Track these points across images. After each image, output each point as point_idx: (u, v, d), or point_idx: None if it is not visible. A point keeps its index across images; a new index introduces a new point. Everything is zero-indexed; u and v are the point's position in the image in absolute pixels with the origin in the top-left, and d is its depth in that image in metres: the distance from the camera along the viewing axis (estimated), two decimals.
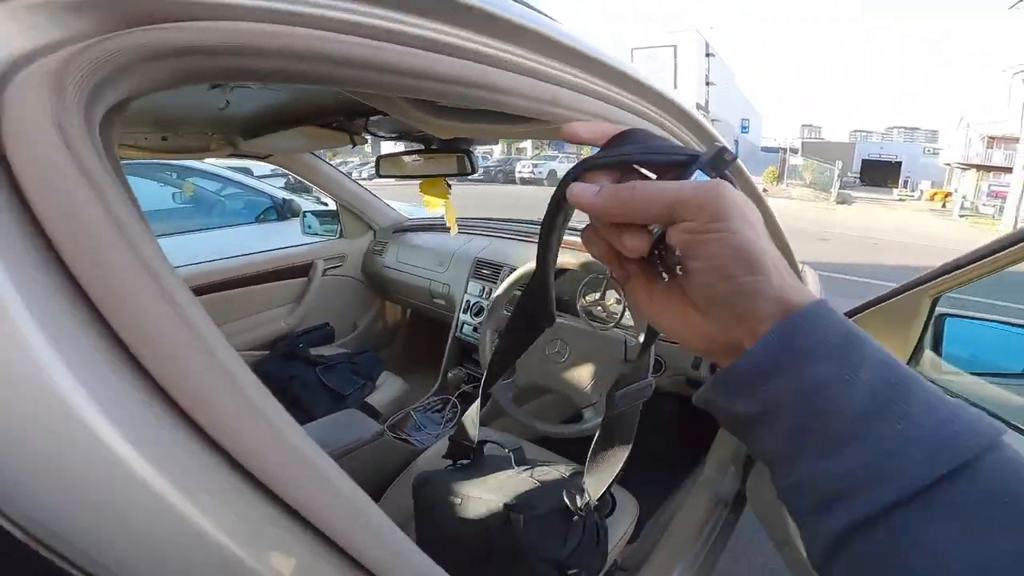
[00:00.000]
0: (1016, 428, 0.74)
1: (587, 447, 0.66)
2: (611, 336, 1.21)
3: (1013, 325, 0.99)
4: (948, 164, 30.70)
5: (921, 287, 0.90)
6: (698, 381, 1.27)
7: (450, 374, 1.84)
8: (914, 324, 0.93)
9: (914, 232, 11.78)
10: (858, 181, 34.78)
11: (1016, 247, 0.76)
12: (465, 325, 1.73)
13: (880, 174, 34.57)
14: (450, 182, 1.15)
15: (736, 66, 35.44)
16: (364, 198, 2.04)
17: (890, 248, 8.84)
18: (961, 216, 18.42)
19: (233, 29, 0.23)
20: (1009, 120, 20.45)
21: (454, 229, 1.38)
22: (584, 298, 1.35)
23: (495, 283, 1.62)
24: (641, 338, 1.10)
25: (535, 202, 2.22)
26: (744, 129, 38.56)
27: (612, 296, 1.29)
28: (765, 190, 20.36)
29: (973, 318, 0.99)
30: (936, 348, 0.98)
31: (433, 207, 1.20)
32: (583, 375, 1.22)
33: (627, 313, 1.22)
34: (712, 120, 29.14)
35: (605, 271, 1.18)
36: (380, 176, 1.23)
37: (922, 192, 26.87)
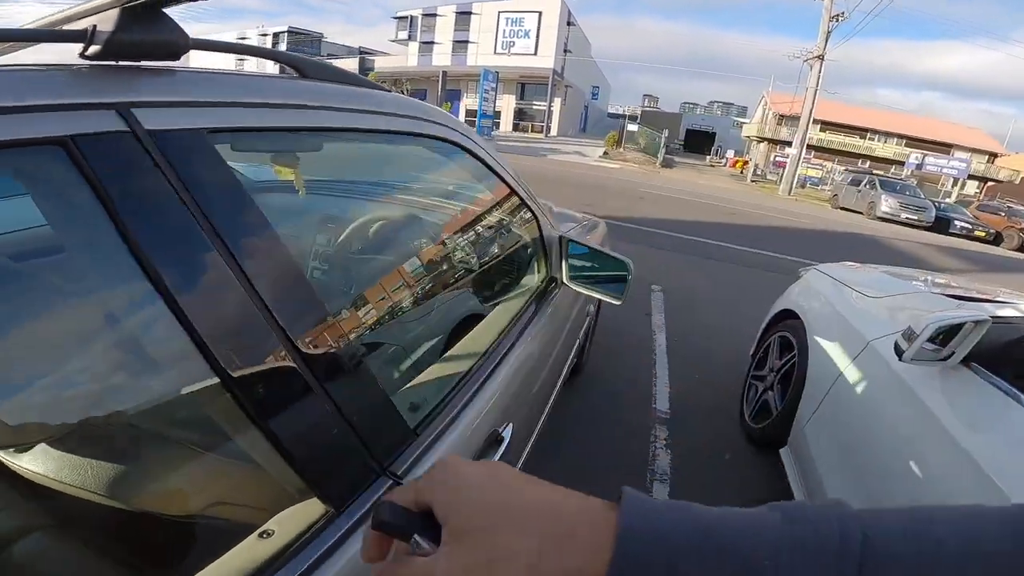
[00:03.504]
0: None
1: None
2: None
3: (592, 249, 1.52)
4: (748, 137, 36.60)
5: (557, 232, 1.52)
6: None
7: None
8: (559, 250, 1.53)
9: (711, 192, 14.29)
10: (682, 148, 39.42)
11: None
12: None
13: (699, 142, 39.37)
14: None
15: (593, 37, 37.03)
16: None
17: (687, 205, 10.71)
18: (752, 181, 22.41)
19: None
20: (796, 101, 23.20)
21: (302, 191, 1.67)
22: None
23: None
24: None
25: None
26: (594, 96, 41.13)
27: None
28: (605, 153, 22.62)
29: (577, 242, 1.52)
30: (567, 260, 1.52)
31: (284, 176, 1.35)
32: None
33: None
34: (566, 85, 30.58)
35: None
36: (236, 149, 1.46)
37: (727, 160, 31.72)
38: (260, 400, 0.54)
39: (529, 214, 1.48)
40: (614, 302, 1.46)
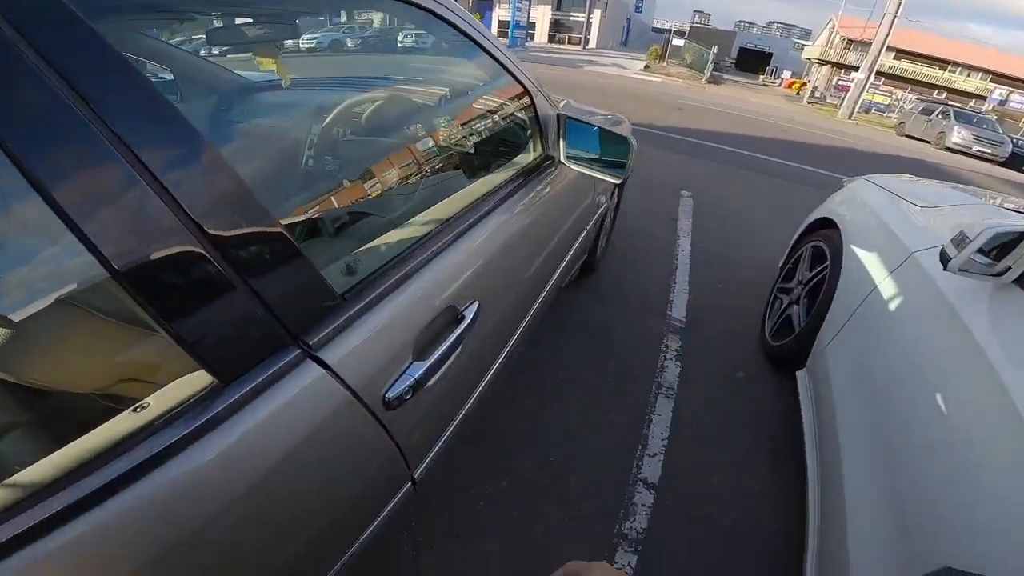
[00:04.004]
0: None
1: None
2: None
3: (592, 127, 1.35)
4: (808, 59, 33.72)
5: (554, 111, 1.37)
6: None
7: None
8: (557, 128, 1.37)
9: (759, 109, 13.17)
10: (733, 66, 36.72)
11: None
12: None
13: (753, 62, 36.61)
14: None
15: None
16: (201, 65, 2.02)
17: (731, 118, 9.94)
18: (808, 103, 20.70)
19: None
20: (869, 27, 21.76)
21: (286, 81, 1.54)
22: None
23: None
24: None
25: None
26: (638, 9, 37.92)
27: None
28: (647, 66, 21.06)
29: (577, 120, 1.36)
30: (565, 139, 1.37)
31: (266, 67, 1.35)
32: None
33: None
34: None
35: None
36: (212, 45, 1.37)
37: (782, 80, 29.34)
38: (141, 267, 0.47)
39: (522, 90, 1.34)
40: (614, 181, 1.33)
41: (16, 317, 0.60)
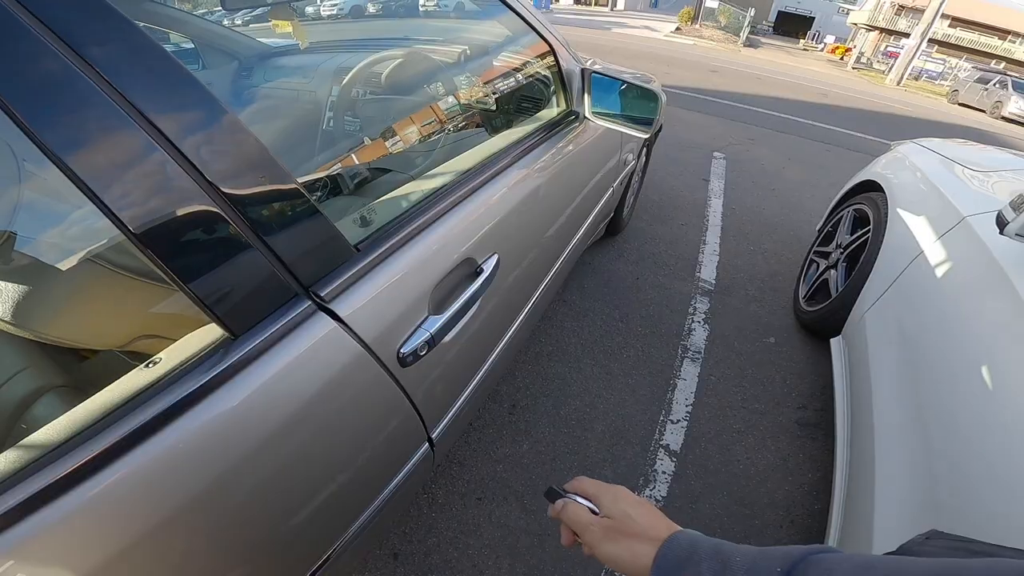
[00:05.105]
0: None
1: None
2: None
3: (611, 77, 1.31)
4: (854, 24, 31.93)
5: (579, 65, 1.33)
6: None
7: None
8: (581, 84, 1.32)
9: (800, 74, 12.50)
10: (771, 30, 35.03)
11: None
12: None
13: (793, 25, 34.93)
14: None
15: None
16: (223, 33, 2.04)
17: (768, 82, 9.46)
18: (853, 68, 19.62)
19: None
20: None
21: (304, 42, 1.53)
22: None
23: None
24: None
25: None
26: None
27: None
28: (678, 28, 20.16)
29: (602, 74, 1.32)
30: (590, 94, 1.34)
31: (282, 29, 1.36)
32: None
33: None
34: None
35: None
36: (228, 9, 1.42)
37: (825, 45, 27.82)
38: (152, 223, 0.45)
39: (544, 46, 1.29)
40: (641, 135, 1.28)
41: (35, 276, 0.60)
